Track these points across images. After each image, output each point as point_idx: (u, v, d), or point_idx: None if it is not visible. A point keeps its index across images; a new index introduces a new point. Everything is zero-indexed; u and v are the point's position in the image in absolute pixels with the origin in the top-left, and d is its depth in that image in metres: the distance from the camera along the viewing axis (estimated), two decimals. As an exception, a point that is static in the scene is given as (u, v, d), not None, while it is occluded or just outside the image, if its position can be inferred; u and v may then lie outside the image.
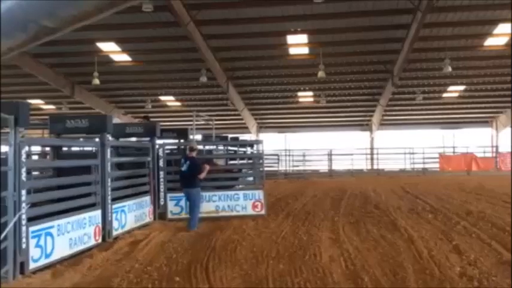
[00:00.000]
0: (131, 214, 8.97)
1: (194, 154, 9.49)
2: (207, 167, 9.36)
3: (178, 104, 28.45)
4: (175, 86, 25.45)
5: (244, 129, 30.47)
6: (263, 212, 10.43)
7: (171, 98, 27.56)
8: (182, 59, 21.18)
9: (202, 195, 9.75)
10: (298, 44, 19.62)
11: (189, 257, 6.75)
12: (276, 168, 26.78)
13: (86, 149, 10.12)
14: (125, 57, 21.04)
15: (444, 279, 5.38)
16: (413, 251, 6.79)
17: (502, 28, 17.79)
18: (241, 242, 7.70)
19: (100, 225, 7.73)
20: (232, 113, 28.09)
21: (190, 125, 15.51)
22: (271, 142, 31.63)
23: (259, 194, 10.66)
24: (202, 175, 9.21)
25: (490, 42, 19.17)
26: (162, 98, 27.51)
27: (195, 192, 9.24)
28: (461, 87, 25.04)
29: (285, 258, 6.54)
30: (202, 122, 20.04)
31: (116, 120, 25.54)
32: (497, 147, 28.83)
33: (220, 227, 9.01)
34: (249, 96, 26.97)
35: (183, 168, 9.22)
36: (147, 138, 10.29)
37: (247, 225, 9.29)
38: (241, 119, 29.57)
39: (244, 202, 10.50)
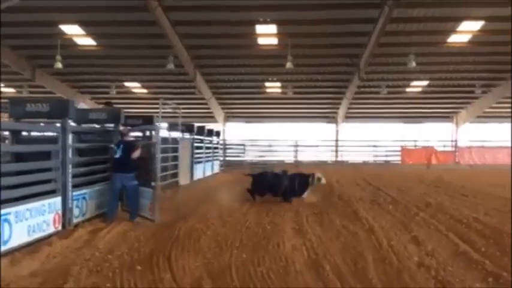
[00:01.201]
0: (93, 201, 8.79)
1: (127, 138, 9.21)
2: (139, 146, 9.01)
3: (144, 91, 27.96)
4: (142, 73, 24.98)
5: (211, 118, 30.30)
6: (153, 217, 8.71)
7: (137, 84, 27.05)
8: (149, 45, 20.77)
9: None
10: (267, 34, 19.56)
11: (151, 246, 6.69)
12: (242, 158, 26.80)
13: (46, 134, 9.81)
14: (89, 41, 20.43)
15: (403, 269, 5.54)
16: (374, 241, 6.96)
17: (466, 25, 18.28)
18: (205, 231, 7.69)
19: (60, 212, 7.55)
20: (200, 101, 27.83)
21: (157, 112, 15.30)
22: (238, 132, 31.71)
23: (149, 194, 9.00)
24: (136, 153, 8.83)
25: (453, 39, 19.66)
26: (127, 84, 26.96)
27: (130, 178, 8.89)
28: (425, 83, 25.65)
29: (249, 248, 6.58)
30: (169, 110, 19.80)
31: (82, 105, 24.89)
32: (456, 141, 29.77)
33: (185, 216, 8.96)
34: (217, 85, 26.79)
35: (117, 155, 8.87)
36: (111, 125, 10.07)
37: (211, 214, 9.28)
38: (209, 108, 29.37)
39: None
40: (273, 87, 27.10)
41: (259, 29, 18.91)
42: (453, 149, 29.14)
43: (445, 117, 30.90)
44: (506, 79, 24.66)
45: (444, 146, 29.32)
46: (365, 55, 20.88)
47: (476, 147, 28.55)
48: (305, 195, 11.40)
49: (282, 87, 26.76)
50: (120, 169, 8.90)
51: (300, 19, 18.09)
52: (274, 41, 20.24)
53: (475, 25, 18.25)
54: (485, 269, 5.49)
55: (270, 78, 25.61)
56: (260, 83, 26.26)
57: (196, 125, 18.86)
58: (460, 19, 17.87)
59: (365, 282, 5.11)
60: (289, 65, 20.28)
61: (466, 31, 18.92)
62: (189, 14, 17.89)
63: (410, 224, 8.28)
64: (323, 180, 11.79)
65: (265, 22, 18.27)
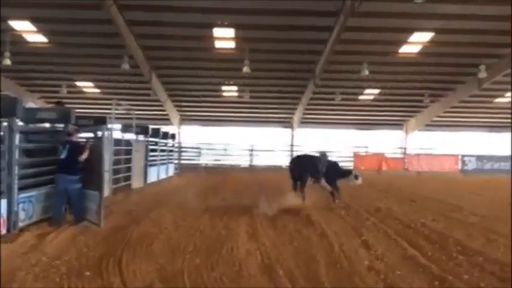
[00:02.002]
0: (40, 204, 8.45)
1: (74, 138, 8.88)
2: (87, 148, 8.74)
3: (97, 90, 27.23)
4: (95, 72, 24.31)
5: (167, 120, 29.91)
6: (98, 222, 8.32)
7: (90, 84, 26.31)
8: (103, 44, 20.24)
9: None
10: (224, 37, 19.56)
11: (101, 251, 6.51)
12: (197, 162, 26.62)
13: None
14: (40, 38, 19.70)
15: (353, 273, 5.65)
16: (326, 245, 7.07)
17: (417, 37, 18.99)
18: (158, 235, 7.56)
19: (5, 215, 7.21)
20: (155, 103, 27.41)
21: (110, 113, 14.93)
22: (194, 135, 31.47)
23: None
24: (84, 155, 8.57)
25: (405, 49, 20.37)
26: (80, 83, 26.17)
27: (73, 180, 8.59)
28: (377, 91, 26.40)
29: (202, 252, 6.52)
30: (123, 111, 19.37)
31: (31, 104, 23.98)
32: (405, 149, 30.79)
33: (137, 220, 8.78)
34: (173, 87, 26.48)
35: (62, 156, 8.56)
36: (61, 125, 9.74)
37: (165, 218, 9.14)
38: (164, 110, 28.98)
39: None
40: (230, 91, 27.10)
41: (217, 32, 18.87)
42: (402, 155, 30.13)
43: (396, 124, 31.92)
44: (453, 89, 25.80)
45: (394, 153, 30.27)
46: (321, 62, 21.26)
47: (424, 154, 29.65)
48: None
49: (239, 91, 26.80)
50: (63, 170, 8.57)
51: (258, 24, 18.19)
52: (231, 44, 20.25)
53: (425, 36, 19.00)
54: (432, 272, 5.69)
55: (226, 82, 25.59)
56: (217, 86, 26.18)
57: (151, 127, 18.57)
58: (411, 30, 18.54)
59: (317, 286, 5.17)
60: (246, 69, 20.34)
61: (416, 42, 19.66)
62: (145, 14, 17.59)
63: (361, 228, 8.47)
64: (359, 180, 11.86)
65: (223, 25, 18.25)
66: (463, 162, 28.87)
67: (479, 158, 29.09)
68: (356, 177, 11.88)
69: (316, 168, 11.43)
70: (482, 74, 21.32)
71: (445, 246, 7.09)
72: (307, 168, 11.42)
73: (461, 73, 23.60)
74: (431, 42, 19.38)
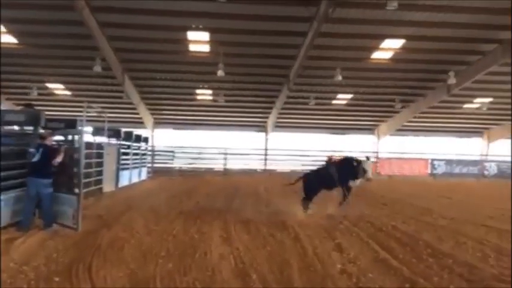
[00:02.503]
0: (8, 209, 8.21)
1: (47, 142, 8.69)
2: (62, 151, 8.56)
3: (68, 93, 26.69)
4: (66, 74, 23.83)
5: (140, 124, 29.56)
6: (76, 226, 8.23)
7: (61, 86, 25.77)
8: (75, 46, 19.86)
9: None
10: (199, 41, 19.48)
11: (71, 256, 6.37)
12: (170, 165, 26.40)
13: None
14: (10, 39, 19.19)
15: (326, 276, 5.69)
16: (299, 249, 7.09)
17: (388, 43, 19.34)
18: (129, 240, 7.45)
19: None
20: (128, 106, 27.06)
21: (81, 116, 14.63)
22: (167, 138, 31.19)
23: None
24: (58, 159, 8.40)
25: (377, 55, 20.71)
26: (50, 85, 25.61)
27: (45, 184, 8.38)
28: (349, 96, 26.74)
29: (175, 257, 6.45)
30: (95, 114, 19.02)
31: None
32: (377, 153, 31.27)
33: (108, 225, 8.63)
34: (146, 90, 26.20)
35: (35, 159, 8.36)
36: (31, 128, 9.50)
37: (136, 222, 9.01)
38: (137, 113, 28.64)
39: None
40: (204, 94, 26.99)
41: (191, 35, 18.79)
42: (374, 160, 30.56)
43: (368, 129, 32.40)
44: (423, 95, 26.36)
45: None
46: (295, 67, 21.41)
47: (395, 158, 30.17)
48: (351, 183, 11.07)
49: (213, 94, 26.73)
50: (35, 174, 8.37)
51: (232, 28, 18.20)
52: (206, 48, 20.19)
53: (397, 43, 19.37)
54: (403, 275, 5.78)
55: (201, 86, 25.48)
56: (191, 89, 26.04)
57: (124, 130, 18.31)
58: (383, 37, 18.86)
59: (290, 290, 5.19)
60: (220, 73, 20.32)
61: (388, 48, 20.02)
62: (118, 16, 17.37)
63: (335, 232, 8.54)
64: (369, 173, 11.13)
65: (197, 29, 18.18)
66: (433, 166, 29.50)
67: (449, 162, 29.79)
68: (365, 171, 11.09)
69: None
70: (452, 80, 21.86)
71: (415, 249, 7.21)
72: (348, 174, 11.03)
73: (431, 79, 24.14)
74: (403, 48, 19.77)
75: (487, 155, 31.77)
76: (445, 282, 5.47)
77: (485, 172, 29.50)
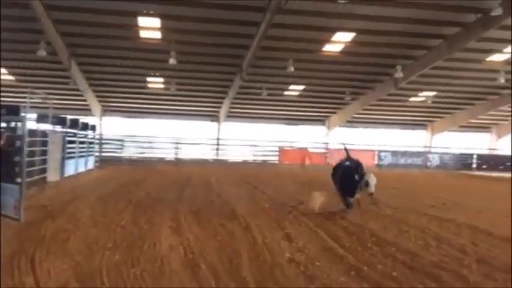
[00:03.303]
0: None
1: None
2: (3, 138, 8.19)
3: (11, 78, 25.39)
4: (9, 58, 22.62)
5: (88, 111, 28.65)
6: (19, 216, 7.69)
7: (3, 70, 24.45)
8: (18, 28, 18.90)
9: None
10: (150, 27, 19.04)
11: (12, 248, 6.08)
12: (119, 154, 25.79)
13: None
14: None
15: (275, 265, 5.75)
16: (249, 239, 7.13)
17: (339, 36, 19.67)
18: (75, 231, 7.22)
19: None
20: (74, 93, 26.13)
21: (24, 102, 13.99)
22: (117, 127, 30.42)
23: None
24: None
25: (328, 48, 21.03)
26: (-9, 69, 24.30)
27: None
28: (301, 87, 27.06)
29: (123, 248, 6.31)
30: (39, 100, 18.24)
31: None
32: (327, 144, 31.92)
33: (52, 216, 8.33)
34: (94, 76, 25.37)
35: None
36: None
37: (82, 213, 8.75)
38: (85, 100, 27.71)
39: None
40: (156, 82, 26.50)
41: (142, 21, 18.33)
42: (325, 150, 31.20)
43: (319, 120, 32.97)
44: (372, 88, 27.08)
45: (317, 148, 31.27)
46: (247, 57, 21.38)
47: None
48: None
49: (165, 83, 26.28)
50: None
51: (185, 15, 17.91)
52: (157, 35, 19.77)
53: (347, 36, 19.74)
54: (349, 263, 5.93)
55: (152, 73, 24.98)
56: (142, 77, 25.48)
57: (70, 117, 17.67)
58: (334, 30, 19.16)
59: (239, 280, 5.21)
60: (172, 61, 20.00)
61: (339, 41, 20.38)
62: (64, -1, 16.69)
63: (284, 221, 8.65)
64: (371, 187, 9.70)
65: (148, 14, 17.75)
66: (379, 157, 30.44)
67: (394, 153, 30.84)
68: (366, 184, 9.74)
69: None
70: (399, 74, 22.59)
71: (361, 238, 7.43)
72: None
73: (380, 73, 24.84)
74: (353, 42, 20.19)
75: (430, 147, 33.16)
76: (388, 269, 5.65)
77: (428, 163, 30.79)
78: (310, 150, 30.10)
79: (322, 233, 7.68)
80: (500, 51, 21.29)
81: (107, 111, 30.50)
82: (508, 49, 20.74)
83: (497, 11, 15.87)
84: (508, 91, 26.34)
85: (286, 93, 28.00)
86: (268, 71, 24.25)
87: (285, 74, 23.44)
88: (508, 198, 11.43)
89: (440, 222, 8.95)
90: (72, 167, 17.39)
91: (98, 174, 18.68)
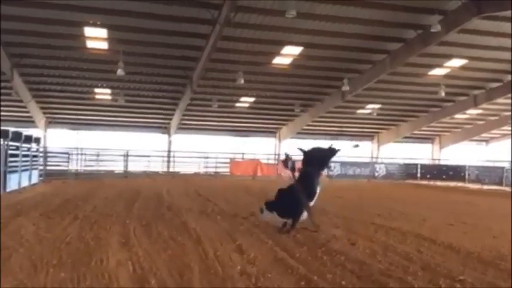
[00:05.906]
0: None
1: None
2: None
3: None
4: None
5: (31, 123, 27.55)
6: None
7: None
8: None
9: None
10: (96, 37, 18.66)
11: None
12: (65, 168, 24.89)
13: None
14: None
15: (226, 278, 5.74)
16: (201, 252, 7.07)
17: (288, 49, 20.10)
18: (18, 249, 6.90)
19: None
20: (17, 104, 25.09)
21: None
22: (63, 139, 29.40)
23: None
24: None
25: (277, 61, 21.40)
26: None
27: None
28: (252, 99, 27.31)
29: (68, 265, 6.10)
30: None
31: None
32: (279, 155, 32.27)
33: (-8, 233, 7.92)
34: (38, 87, 24.51)
35: None
36: None
37: (26, 230, 8.38)
38: (28, 112, 26.65)
39: None
40: (103, 93, 25.91)
41: (89, 31, 17.95)
42: (276, 162, 31.51)
43: (270, 132, 33.34)
44: (321, 100, 27.76)
45: (268, 159, 31.55)
46: (198, 69, 21.39)
47: (296, 160, 31.29)
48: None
49: (113, 94, 25.75)
50: None
51: (132, 26, 17.72)
52: (104, 45, 19.40)
53: (296, 50, 20.20)
54: (299, 273, 6.00)
55: (99, 84, 24.43)
56: (88, 88, 24.86)
57: (12, 130, 16.92)
58: (283, 43, 19.56)
59: (190, 294, 5.16)
60: (120, 72, 19.67)
61: (288, 54, 20.81)
62: (6, 8, 16.05)
63: (236, 233, 8.64)
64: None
65: (95, 25, 17.41)
66: (329, 168, 31.05)
67: (343, 164, 31.58)
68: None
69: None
70: (345, 87, 23.31)
71: (311, 248, 7.54)
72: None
73: (328, 85, 25.53)
74: (301, 55, 20.68)
75: (377, 158, 34.26)
76: (337, 279, 5.77)
77: (376, 173, 31.76)
78: (261, 161, 30.30)
79: (272, 244, 7.73)
80: (440, 65, 22.46)
81: (51, 122, 29.47)
82: (448, 63, 21.93)
83: (437, 27, 16.77)
84: (448, 104, 27.78)
85: (237, 105, 28.16)
86: (218, 83, 24.34)
87: (235, 86, 23.60)
88: (449, 207, 11.99)
89: (386, 231, 9.24)
90: (15, 182, 16.62)
91: (42, 188, 17.94)
